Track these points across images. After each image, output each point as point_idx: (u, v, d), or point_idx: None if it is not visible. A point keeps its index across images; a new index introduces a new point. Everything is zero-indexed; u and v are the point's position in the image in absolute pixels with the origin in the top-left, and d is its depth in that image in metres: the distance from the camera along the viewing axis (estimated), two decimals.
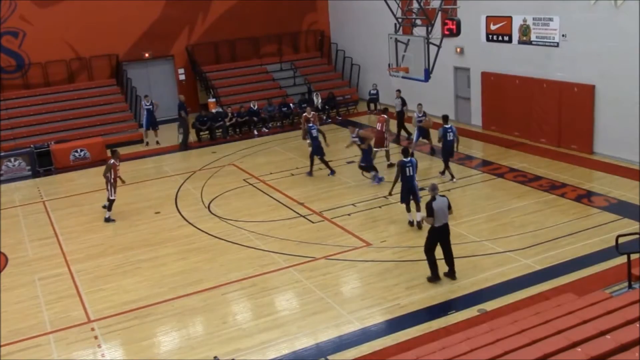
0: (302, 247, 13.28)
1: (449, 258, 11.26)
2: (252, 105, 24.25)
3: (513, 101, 20.19)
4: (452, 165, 17.98)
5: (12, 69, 24.85)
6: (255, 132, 23.74)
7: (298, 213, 15.34)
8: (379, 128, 17.83)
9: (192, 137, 23.22)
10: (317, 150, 17.80)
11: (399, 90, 21.17)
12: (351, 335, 9.88)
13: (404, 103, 21.29)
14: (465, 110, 22.72)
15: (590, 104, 17.69)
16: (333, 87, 27.12)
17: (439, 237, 10.99)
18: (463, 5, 17.62)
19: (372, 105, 25.52)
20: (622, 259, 9.88)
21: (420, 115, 18.71)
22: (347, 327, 10.00)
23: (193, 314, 10.99)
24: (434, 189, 10.99)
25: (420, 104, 18.78)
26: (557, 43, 18.32)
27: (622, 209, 13.94)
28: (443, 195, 11.06)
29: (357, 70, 28.06)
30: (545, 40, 18.70)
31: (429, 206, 10.73)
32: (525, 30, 19.26)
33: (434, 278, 11.20)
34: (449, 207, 10.92)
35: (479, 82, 21.58)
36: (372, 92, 25.47)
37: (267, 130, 23.72)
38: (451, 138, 16.27)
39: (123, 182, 16.10)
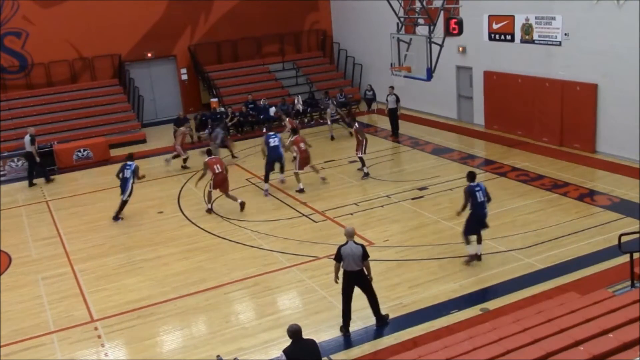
0: (305, 247, 13.28)
1: (373, 304, 10.02)
2: (261, 103, 24.32)
3: (515, 100, 20.16)
4: (452, 164, 17.99)
5: (15, 69, 24.89)
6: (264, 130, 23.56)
7: (300, 212, 15.34)
8: (303, 148, 16.84)
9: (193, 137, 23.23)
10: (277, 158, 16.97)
11: (392, 87, 20.98)
12: (354, 334, 9.88)
13: (398, 100, 21.29)
14: (467, 110, 22.71)
15: (593, 103, 17.66)
16: (335, 87, 27.10)
17: (349, 282, 9.78)
18: (465, 5, 17.57)
19: (371, 105, 25.54)
20: (625, 258, 9.90)
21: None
22: (349, 326, 9.99)
23: (196, 313, 11.00)
24: (349, 234, 9.83)
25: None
26: (560, 42, 18.29)
27: (624, 207, 13.91)
28: (359, 244, 9.79)
29: (360, 70, 28.06)
30: (547, 39, 18.67)
31: (337, 250, 9.70)
32: (527, 29, 19.23)
33: (342, 326, 9.96)
34: (364, 256, 9.65)
35: (482, 81, 21.55)
36: (367, 92, 25.44)
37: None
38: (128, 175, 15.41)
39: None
